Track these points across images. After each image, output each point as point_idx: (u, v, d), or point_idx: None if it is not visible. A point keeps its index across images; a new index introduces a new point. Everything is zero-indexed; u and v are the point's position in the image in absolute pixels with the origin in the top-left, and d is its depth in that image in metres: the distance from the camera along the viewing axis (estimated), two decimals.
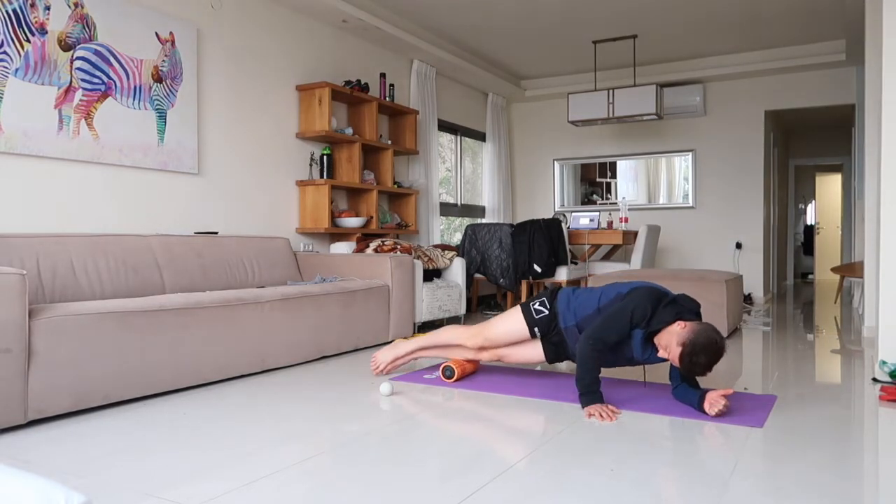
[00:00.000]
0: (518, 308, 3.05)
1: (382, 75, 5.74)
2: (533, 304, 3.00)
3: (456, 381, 3.17)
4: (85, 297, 3.22)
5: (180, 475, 1.95)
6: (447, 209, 7.15)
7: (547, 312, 2.96)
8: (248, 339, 3.34)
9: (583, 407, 2.64)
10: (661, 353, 2.63)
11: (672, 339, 2.57)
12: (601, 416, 2.55)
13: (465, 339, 3.14)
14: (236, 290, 3.61)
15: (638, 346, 2.73)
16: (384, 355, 3.34)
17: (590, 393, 2.66)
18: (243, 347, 3.31)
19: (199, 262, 3.88)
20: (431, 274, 5.24)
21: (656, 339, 2.67)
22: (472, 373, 3.35)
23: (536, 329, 2.98)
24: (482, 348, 3.12)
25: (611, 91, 6.61)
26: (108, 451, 2.18)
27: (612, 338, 2.68)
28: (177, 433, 2.38)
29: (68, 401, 2.56)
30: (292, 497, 1.78)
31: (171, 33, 4.06)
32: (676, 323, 2.60)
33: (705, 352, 2.48)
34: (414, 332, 4.76)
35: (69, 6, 3.52)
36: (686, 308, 2.67)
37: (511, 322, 3.03)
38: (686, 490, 1.82)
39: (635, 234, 6.44)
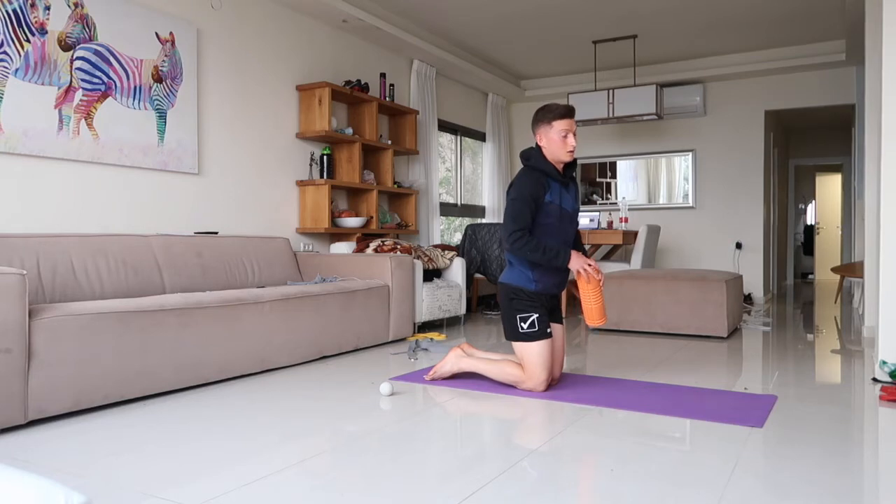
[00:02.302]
0: (520, 344, 3.00)
1: (382, 75, 5.74)
2: (521, 325, 2.99)
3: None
4: (85, 297, 3.22)
5: (180, 475, 1.95)
6: (447, 209, 7.15)
7: (536, 315, 2.99)
8: (248, 339, 3.34)
9: (566, 268, 2.99)
10: (557, 146, 2.96)
11: (542, 137, 3.00)
12: (585, 269, 2.91)
13: (526, 385, 3.00)
14: (236, 290, 3.61)
15: (560, 197, 3.01)
16: (449, 367, 3.21)
17: (558, 256, 2.92)
18: (243, 347, 3.31)
19: (199, 262, 3.88)
20: (431, 274, 5.24)
21: (542, 144, 3.00)
22: None
23: (539, 329, 2.99)
24: (546, 381, 3.00)
25: (611, 91, 6.61)
26: (108, 451, 2.18)
27: (525, 218, 2.91)
28: (177, 433, 2.38)
29: (68, 401, 2.56)
30: (292, 497, 1.78)
31: (171, 33, 4.06)
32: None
33: (545, 107, 3.00)
34: (414, 332, 4.76)
35: (69, 6, 3.52)
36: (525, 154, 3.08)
37: (530, 352, 2.97)
38: (686, 490, 1.82)
39: (635, 234, 6.44)
